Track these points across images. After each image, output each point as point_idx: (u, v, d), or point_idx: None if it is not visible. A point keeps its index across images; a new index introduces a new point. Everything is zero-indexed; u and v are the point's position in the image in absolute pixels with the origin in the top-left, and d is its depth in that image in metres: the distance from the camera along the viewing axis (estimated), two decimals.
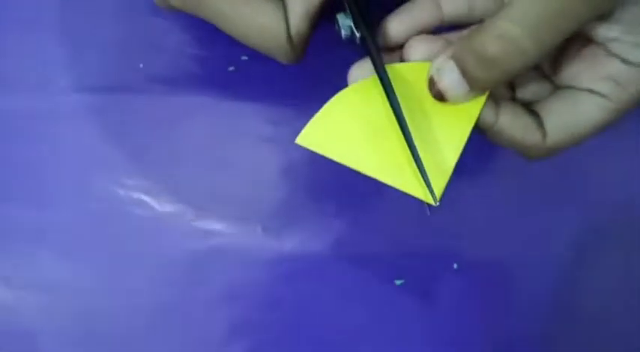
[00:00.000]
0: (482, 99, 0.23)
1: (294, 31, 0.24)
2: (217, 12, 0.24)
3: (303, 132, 0.23)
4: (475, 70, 0.22)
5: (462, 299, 0.33)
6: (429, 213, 0.22)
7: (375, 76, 0.24)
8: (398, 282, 0.32)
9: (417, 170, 0.23)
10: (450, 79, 0.22)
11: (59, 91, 0.32)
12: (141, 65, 0.33)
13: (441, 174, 0.23)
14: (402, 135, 0.23)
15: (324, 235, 0.32)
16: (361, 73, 0.25)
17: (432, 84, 0.23)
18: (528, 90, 0.26)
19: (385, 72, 0.23)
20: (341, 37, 0.24)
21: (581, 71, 0.24)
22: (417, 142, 0.23)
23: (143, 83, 0.33)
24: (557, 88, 0.25)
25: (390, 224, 0.33)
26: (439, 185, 0.23)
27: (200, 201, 0.32)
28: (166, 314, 0.31)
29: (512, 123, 0.24)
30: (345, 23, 0.24)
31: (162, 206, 0.32)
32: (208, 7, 0.24)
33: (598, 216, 0.34)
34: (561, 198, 0.34)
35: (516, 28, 0.21)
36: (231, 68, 0.33)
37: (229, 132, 0.33)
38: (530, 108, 0.25)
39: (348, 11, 0.24)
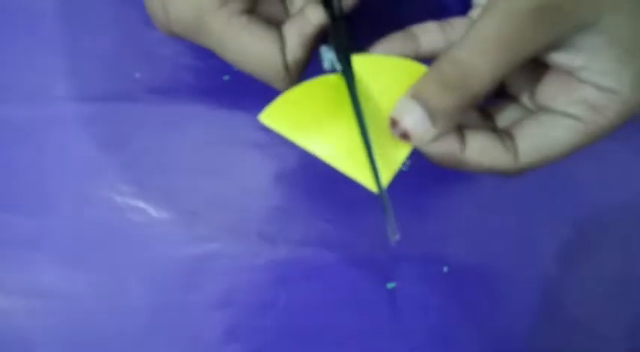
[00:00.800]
0: None
1: (290, 59, 0.25)
2: (216, 40, 0.24)
3: (267, 109, 0.23)
4: (435, 97, 0.22)
5: (453, 302, 0.33)
6: (393, 241, 0.23)
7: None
8: (389, 286, 0.33)
9: (367, 158, 0.23)
10: (412, 116, 0.22)
11: (57, 100, 0.33)
12: (137, 75, 0.33)
13: (390, 165, 0.23)
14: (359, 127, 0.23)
15: (318, 240, 0.33)
16: (385, 49, 0.25)
17: (395, 125, 0.23)
18: (508, 118, 0.26)
19: (359, 105, 0.23)
20: (323, 66, 0.25)
21: (557, 94, 0.24)
22: (372, 133, 0.23)
23: (139, 92, 0.33)
24: (533, 111, 0.25)
25: (381, 228, 0.32)
26: (387, 175, 0.23)
27: (196, 208, 0.33)
28: (161, 319, 0.32)
29: (479, 152, 0.23)
30: (326, 56, 0.24)
31: (159, 212, 0.32)
32: (208, 35, 0.24)
33: (587, 218, 0.34)
34: (552, 201, 0.34)
35: (469, 51, 0.21)
36: (225, 77, 0.34)
37: (224, 140, 0.33)
38: (504, 130, 0.25)
39: (331, 44, 0.24)
